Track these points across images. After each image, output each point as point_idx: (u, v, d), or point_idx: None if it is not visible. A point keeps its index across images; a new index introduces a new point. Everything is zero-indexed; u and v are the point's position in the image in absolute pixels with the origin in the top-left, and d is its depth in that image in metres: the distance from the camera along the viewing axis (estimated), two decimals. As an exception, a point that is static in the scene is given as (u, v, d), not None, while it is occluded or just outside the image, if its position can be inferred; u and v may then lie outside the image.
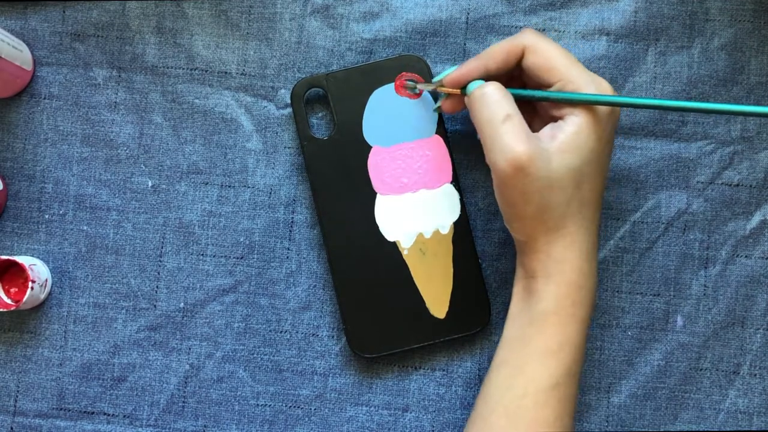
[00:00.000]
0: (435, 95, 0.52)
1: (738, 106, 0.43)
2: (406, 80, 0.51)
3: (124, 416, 0.53)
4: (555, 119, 0.45)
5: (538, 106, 0.48)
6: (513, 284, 0.48)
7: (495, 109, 0.44)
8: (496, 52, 0.46)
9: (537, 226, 0.45)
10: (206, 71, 0.53)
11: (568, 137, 0.44)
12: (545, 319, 0.45)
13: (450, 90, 0.48)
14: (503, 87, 0.45)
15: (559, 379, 0.45)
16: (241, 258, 0.53)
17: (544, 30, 0.53)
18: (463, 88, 0.47)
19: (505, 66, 0.46)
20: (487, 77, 0.47)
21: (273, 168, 0.53)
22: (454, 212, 0.52)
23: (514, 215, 0.45)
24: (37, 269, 0.51)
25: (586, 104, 0.44)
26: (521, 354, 0.45)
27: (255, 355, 0.53)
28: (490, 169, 0.45)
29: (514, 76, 0.48)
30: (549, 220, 0.44)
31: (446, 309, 0.52)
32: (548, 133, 0.45)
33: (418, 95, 0.52)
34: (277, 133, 0.53)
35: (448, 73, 0.48)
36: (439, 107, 0.50)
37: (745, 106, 0.42)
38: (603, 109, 0.45)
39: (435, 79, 0.49)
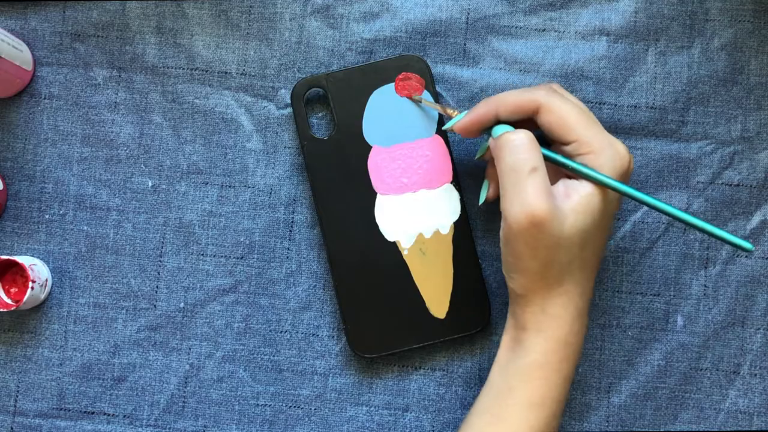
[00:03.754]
0: (437, 97, 0.52)
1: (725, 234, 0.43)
2: (413, 95, 0.51)
3: (124, 416, 0.53)
4: (569, 175, 0.45)
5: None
6: (503, 331, 0.47)
7: (523, 158, 0.43)
8: (509, 102, 0.46)
9: (537, 281, 0.44)
10: (206, 71, 0.53)
11: (583, 199, 0.43)
12: (531, 372, 0.45)
13: (448, 112, 0.48)
14: (533, 137, 0.44)
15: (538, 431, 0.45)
16: (241, 258, 0.53)
17: (544, 30, 0.53)
18: (487, 129, 0.47)
19: (516, 117, 0.46)
20: (498, 123, 0.46)
21: (273, 168, 0.53)
22: (454, 212, 0.52)
23: (517, 267, 0.44)
24: (38, 269, 0.51)
25: (601, 147, 0.44)
26: (504, 404, 0.45)
27: (255, 355, 0.53)
28: (503, 216, 0.44)
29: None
30: (550, 277, 0.44)
31: (446, 309, 0.52)
32: (562, 191, 0.44)
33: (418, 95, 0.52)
34: (277, 133, 0.53)
35: (457, 120, 0.47)
36: (480, 155, 0.50)
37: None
38: (615, 175, 0.44)
39: (445, 127, 0.49)
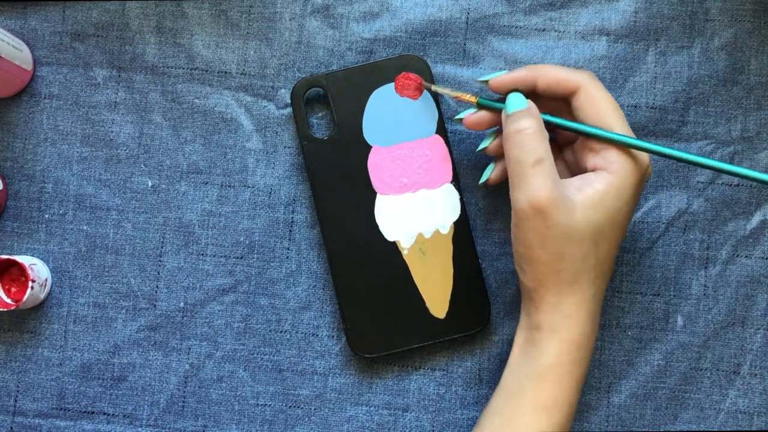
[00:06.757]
0: (436, 97, 0.52)
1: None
2: (421, 82, 0.51)
3: (124, 416, 0.53)
4: (584, 170, 0.45)
5: (567, 152, 0.48)
6: (516, 331, 0.47)
7: (528, 150, 0.43)
8: (550, 75, 0.46)
9: (549, 275, 0.44)
10: (206, 71, 0.53)
11: (597, 194, 0.43)
12: (543, 374, 0.45)
13: (463, 97, 0.48)
14: (541, 123, 0.45)
15: None
16: (241, 258, 0.53)
17: (544, 30, 0.53)
18: (480, 99, 0.47)
19: (552, 91, 0.46)
20: (532, 92, 0.47)
21: (273, 168, 0.53)
22: (454, 212, 0.52)
23: (527, 258, 0.44)
24: (37, 269, 0.51)
25: (622, 146, 0.44)
26: (515, 406, 0.45)
27: (255, 355, 0.53)
28: (512, 206, 0.44)
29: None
30: (562, 272, 0.44)
31: (446, 309, 0.52)
32: (576, 184, 0.44)
33: (419, 95, 0.52)
34: (277, 133, 0.53)
35: (496, 76, 0.47)
36: (483, 149, 0.50)
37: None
38: (634, 174, 0.44)
39: (481, 78, 0.48)
